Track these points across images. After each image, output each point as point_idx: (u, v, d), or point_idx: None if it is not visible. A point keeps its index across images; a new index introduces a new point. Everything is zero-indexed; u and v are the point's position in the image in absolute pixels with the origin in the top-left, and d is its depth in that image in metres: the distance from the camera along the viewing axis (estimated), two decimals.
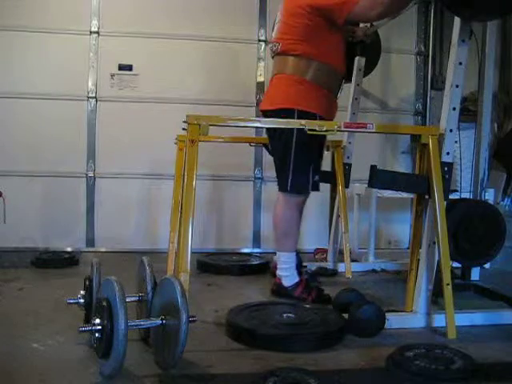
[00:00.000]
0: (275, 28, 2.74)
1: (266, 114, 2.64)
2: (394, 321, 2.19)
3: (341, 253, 3.38)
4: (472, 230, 2.36)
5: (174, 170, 3.08)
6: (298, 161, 2.59)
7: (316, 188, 2.72)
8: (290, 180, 2.60)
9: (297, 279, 2.67)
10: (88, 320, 1.91)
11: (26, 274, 3.06)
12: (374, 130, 2.21)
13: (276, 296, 2.67)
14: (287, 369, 1.68)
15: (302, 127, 2.14)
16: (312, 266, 3.34)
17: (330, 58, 2.61)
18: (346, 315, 2.16)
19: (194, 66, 3.99)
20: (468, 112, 3.19)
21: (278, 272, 2.69)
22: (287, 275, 2.67)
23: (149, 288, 1.91)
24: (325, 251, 3.57)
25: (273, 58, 2.76)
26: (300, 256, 3.33)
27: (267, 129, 2.70)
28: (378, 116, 4.22)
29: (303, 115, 2.47)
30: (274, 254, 2.92)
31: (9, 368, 1.73)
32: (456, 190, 3.07)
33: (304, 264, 3.29)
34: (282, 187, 2.65)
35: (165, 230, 3.31)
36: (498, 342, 2.09)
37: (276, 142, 2.66)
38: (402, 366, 1.71)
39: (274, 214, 2.72)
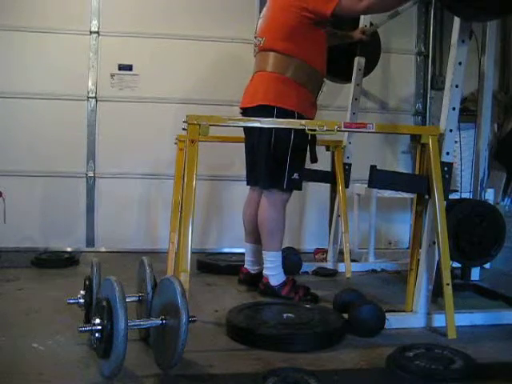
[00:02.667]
0: (259, 22, 2.71)
1: (246, 111, 2.64)
2: (393, 321, 2.19)
3: (341, 253, 3.38)
4: (472, 230, 2.36)
5: (174, 170, 3.08)
6: (297, 158, 2.60)
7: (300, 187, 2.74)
8: (286, 177, 2.60)
9: (284, 278, 2.68)
10: (88, 320, 1.91)
11: (26, 274, 3.06)
12: (373, 130, 2.21)
13: (263, 295, 2.66)
14: (287, 369, 1.68)
15: (302, 127, 2.14)
16: (312, 266, 3.35)
17: (312, 57, 2.60)
18: (346, 315, 2.16)
19: (193, 65, 3.99)
20: (468, 112, 3.19)
21: (265, 271, 2.70)
22: (274, 274, 2.67)
23: (149, 288, 1.91)
24: (325, 251, 3.57)
25: (255, 56, 2.74)
26: (300, 256, 3.35)
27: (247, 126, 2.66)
28: (378, 116, 4.22)
29: (282, 113, 2.49)
30: (242, 254, 2.98)
31: (9, 368, 1.73)
32: (456, 190, 3.07)
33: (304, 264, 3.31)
34: (275, 185, 2.63)
35: (165, 230, 3.31)
36: (498, 342, 2.09)
37: (263, 138, 2.62)
38: (402, 366, 1.71)
39: (259, 214, 2.70)
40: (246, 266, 2.89)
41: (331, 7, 2.47)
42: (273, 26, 2.60)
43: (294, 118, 2.49)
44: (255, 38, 2.72)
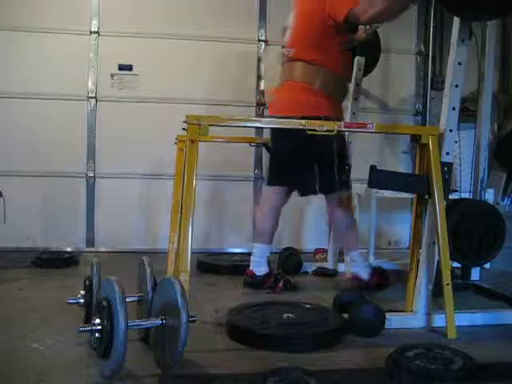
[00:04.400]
0: (287, 33, 2.77)
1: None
2: (393, 321, 2.19)
3: (341, 253, 3.38)
4: (472, 230, 2.36)
5: (173, 170, 3.07)
6: (341, 160, 2.73)
7: None
8: (336, 179, 2.71)
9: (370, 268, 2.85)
10: (88, 320, 1.91)
11: (26, 274, 3.06)
12: (373, 130, 2.21)
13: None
14: (287, 369, 1.68)
15: (302, 127, 2.14)
16: (312, 266, 3.35)
17: (337, 65, 2.68)
18: (346, 315, 2.16)
19: (193, 66, 3.98)
20: (468, 112, 3.19)
21: (355, 269, 2.87)
22: (362, 269, 2.85)
23: (149, 288, 1.91)
24: (325, 251, 3.57)
25: (282, 64, 2.79)
26: (300, 256, 3.35)
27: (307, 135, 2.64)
28: (378, 116, 4.22)
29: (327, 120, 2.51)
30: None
31: (9, 368, 1.74)
32: (456, 190, 3.06)
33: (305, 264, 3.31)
34: (332, 189, 2.74)
35: (165, 230, 3.30)
36: (498, 341, 2.09)
37: (327, 147, 2.66)
38: (402, 366, 1.71)
39: (340, 219, 2.85)
40: (251, 268, 2.86)
41: (343, 13, 2.54)
42: (299, 36, 2.70)
43: None
44: (283, 47, 2.80)
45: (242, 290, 2.80)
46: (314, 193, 2.75)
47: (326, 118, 2.52)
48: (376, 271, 2.85)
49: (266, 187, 3.00)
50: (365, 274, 2.82)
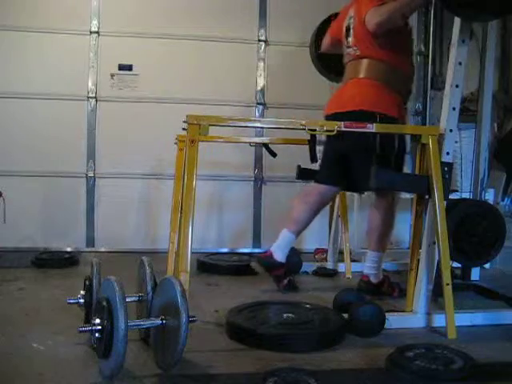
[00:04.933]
0: (351, 32, 2.73)
1: (338, 116, 2.56)
2: (393, 321, 2.19)
3: (341, 253, 3.38)
4: (472, 230, 2.36)
5: (174, 170, 3.08)
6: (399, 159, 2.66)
7: None
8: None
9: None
10: (88, 320, 1.91)
11: (26, 274, 3.06)
12: (373, 130, 2.21)
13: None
14: (287, 369, 1.68)
15: (302, 127, 2.14)
16: (312, 266, 3.34)
17: (400, 61, 2.64)
18: (346, 315, 2.16)
19: (193, 66, 3.99)
20: (468, 112, 3.19)
21: (368, 271, 2.78)
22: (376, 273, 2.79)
23: (149, 288, 1.91)
24: (325, 251, 3.57)
25: (346, 63, 2.75)
26: (300, 256, 3.34)
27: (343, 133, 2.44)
28: None
29: (383, 118, 2.48)
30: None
31: (9, 368, 1.73)
32: (456, 190, 3.07)
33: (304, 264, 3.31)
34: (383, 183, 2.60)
35: (165, 230, 3.31)
36: (498, 341, 2.09)
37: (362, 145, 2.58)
38: (402, 366, 1.71)
39: (387, 218, 2.75)
40: (272, 248, 2.74)
41: (374, 23, 2.52)
42: (361, 35, 2.66)
43: (394, 122, 2.50)
44: (348, 47, 2.73)
45: (242, 291, 2.79)
46: (369, 189, 2.65)
47: (387, 118, 2.48)
48: (386, 280, 2.80)
49: (314, 184, 2.86)
50: (375, 279, 2.76)
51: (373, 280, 2.76)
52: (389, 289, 2.76)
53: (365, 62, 2.63)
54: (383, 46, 2.58)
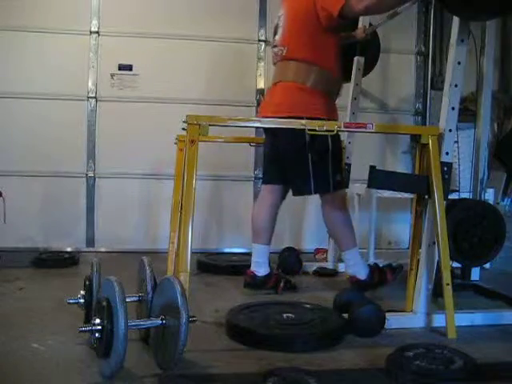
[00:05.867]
0: (278, 32, 2.73)
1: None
2: (393, 321, 2.19)
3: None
4: (472, 230, 2.36)
5: (174, 170, 3.08)
6: (335, 160, 2.65)
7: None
8: (331, 179, 2.64)
9: (368, 268, 2.76)
10: (88, 320, 1.91)
11: (26, 274, 3.06)
12: (373, 130, 2.21)
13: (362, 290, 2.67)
14: (287, 369, 1.68)
15: (302, 127, 2.14)
16: (312, 266, 3.34)
17: (329, 63, 2.63)
18: (346, 315, 2.16)
19: (194, 66, 3.99)
20: (468, 112, 3.19)
21: (349, 271, 2.78)
22: (358, 269, 2.75)
23: (149, 288, 1.91)
24: (325, 251, 3.57)
25: (274, 64, 2.75)
26: (300, 256, 3.35)
27: (280, 136, 2.64)
28: (378, 116, 4.22)
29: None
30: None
31: (9, 368, 1.74)
32: (456, 190, 3.07)
33: (305, 264, 3.31)
34: (324, 188, 2.66)
35: (165, 230, 3.31)
36: (498, 341, 2.09)
37: (300, 146, 2.60)
38: (402, 366, 1.71)
39: (328, 219, 2.75)
40: (252, 268, 2.82)
41: (338, 7, 2.48)
42: (293, 35, 2.64)
43: None
44: (275, 47, 2.73)
45: (242, 291, 2.79)
46: (309, 193, 2.69)
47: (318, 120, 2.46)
48: (374, 270, 2.79)
49: (262, 186, 2.95)
50: (363, 275, 2.74)
51: (360, 277, 2.73)
52: (381, 276, 2.75)
53: (292, 64, 2.62)
54: (313, 45, 2.57)
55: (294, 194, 2.79)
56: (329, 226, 2.79)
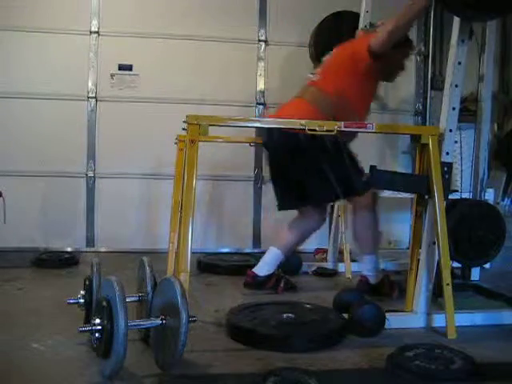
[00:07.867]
0: (323, 61, 2.81)
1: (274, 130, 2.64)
2: (393, 321, 2.19)
3: (341, 253, 3.38)
4: (472, 230, 2.36)
5: (174, 170, 3.08)
6: (353, 162, 2.66)
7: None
8: (355, 181, 2.63)
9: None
10: (88, 320, 1.91)
11: (26, 274, 3.06)
12: (373, 130, 2.21)
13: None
14: (287, 369, 1.68)
15: (302, 127, 2.14)
16: (312, 266, 3.34)
17: (354, 101, 2.65)
18: (346, 315, 2.16)
19: (194, 66, 3.99)
20: (468, 112, 3.19)
21: (367, 272, 2.77)
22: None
23: (149, 288, 1.91)
24: (325, 251, 3.57)
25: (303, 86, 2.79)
26: (300, 256, 3.35)
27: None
28: (378, 116, 4.21)
29: (307, 135, 2.45)
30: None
31: (9, 368, 1.73)
32: (456, 190, 3.06)
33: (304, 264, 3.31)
34: (351, 191, 2.66)
35: (165, 230, 3.31)
36: (498, 341, 2.09)
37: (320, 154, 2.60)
38: (402, 366, 1.71)
39: (358, 216, 2.78)
40: (255, 268, 2.79)
41: (366, 47, 2.55)
42: (327, 71, 2.72)
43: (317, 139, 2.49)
44: (312, 74, 2.79)
45: (242, 291, 2.79)
46: (337, 199, 2.76)
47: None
48: (385, 281, 2.77)
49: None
50: (373, 280, 2.75)
51: (371, 281, 2.75)
52: (388, 289, 2.74)
53: (313, 88, 2.69)
54: (341, 84, 2.62)
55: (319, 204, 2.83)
56: (356, 225, 2.80)
